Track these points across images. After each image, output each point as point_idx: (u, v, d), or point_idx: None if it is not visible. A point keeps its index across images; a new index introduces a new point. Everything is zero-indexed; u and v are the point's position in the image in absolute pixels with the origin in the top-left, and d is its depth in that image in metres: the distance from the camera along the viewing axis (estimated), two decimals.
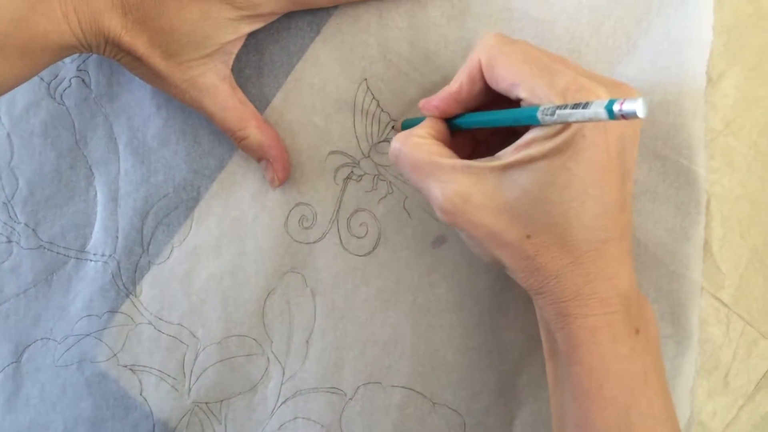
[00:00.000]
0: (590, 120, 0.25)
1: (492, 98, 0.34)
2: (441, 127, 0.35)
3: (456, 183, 0.31)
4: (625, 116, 0.23)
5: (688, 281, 0.37)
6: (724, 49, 0.37)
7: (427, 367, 0.41)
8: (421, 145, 0.33)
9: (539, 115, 0.28)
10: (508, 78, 0.31)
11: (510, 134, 0.32)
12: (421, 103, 0.35)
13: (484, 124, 0.33)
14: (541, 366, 0.39)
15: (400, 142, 0.34)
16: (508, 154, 0.31)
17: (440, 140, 0.34)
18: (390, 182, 0.40)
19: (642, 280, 0.37)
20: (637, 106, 0.23)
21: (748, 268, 0.37)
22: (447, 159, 0.32)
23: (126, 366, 0.43)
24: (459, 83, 0.33)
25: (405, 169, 0.34)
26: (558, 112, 0.27)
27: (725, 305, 0.37)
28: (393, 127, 0.40)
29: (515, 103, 0.31)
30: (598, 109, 0.24)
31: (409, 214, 0.40)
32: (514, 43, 0.32)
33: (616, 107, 0.23)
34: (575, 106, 0.26)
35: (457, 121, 0.35)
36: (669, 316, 0.37)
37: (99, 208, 0.43)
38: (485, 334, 0.40)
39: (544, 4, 0.38)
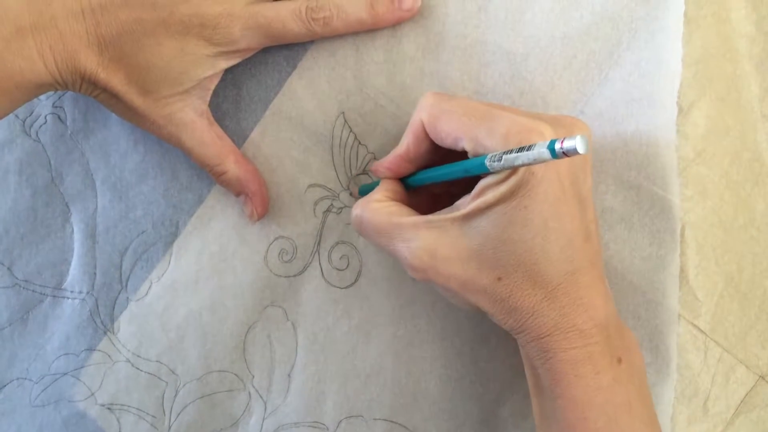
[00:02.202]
0: (535, 161, 0.26)
1: (443, 152, 0.34)
2: (397, 187, 0.36)
3: (420, 239, 0.32)
4: (567, 153, 0.24)
5: (665, 309, 0.37)
6: (693, 80, 0.37)
7: (409, 398, 0.40)
8: (380, 209, 0.34)
9: (487, 162, 0.29)
10: (451, 133, 0.32)
11: (467, 181, 0.32)
12: (373, 167, 0.36)
13: (437, 179, 0.34)
14: (524, 395, 0.39)
15: (360, 209, 0.35)
16: (466, 204, 0.31)
17: (398, 200, 0.35)
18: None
19: (620, 309, 0.38)
20: (576, 142, 0.23)
21: (724, 295, 0.38)
22: (407, 218, 0.33)
23: (104, 405, 0.42)
24: (406, 145, 0.35)
25: (369, 235, 0.34)
26: (504, 157, 0.28)
27: (702, 332, 0.38)
28: (351, 193, 0.41)
29: (465, 154, 0.32)
30: (541, 149, 0.25)
31: None
32: (452, 99, 0.33)
33: (557, 146, 0.24)
34: (520, 149, 0.27)
35: (411, 180, 0.36)
36: (647, 343, 0.38)
37: (76, 245, 0.42)
38: (467, 364, 0.40)
39: (518, 37, 0.39)
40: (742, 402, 0.38)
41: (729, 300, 0.38)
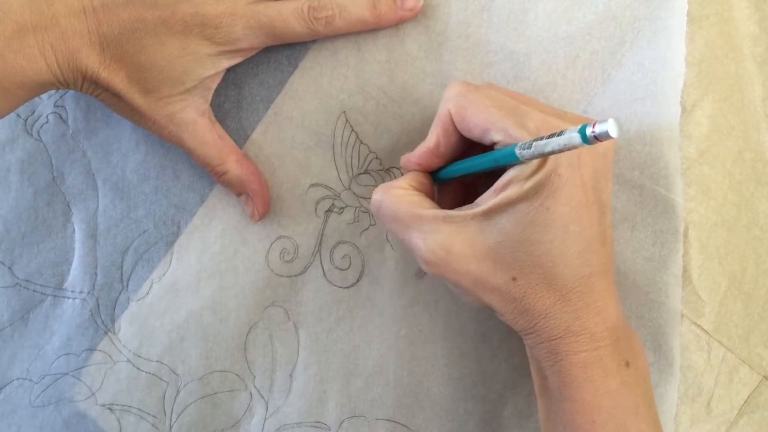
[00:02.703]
0: (566, 147, 0.26)
1: (469, 145, 0.34)
2: (423, 178, 0.35)
3: (438, 233, 0.32)
4: (598, 138, 0.24)
5: (668, 309, 0.37)
6: (696, 80, 0.37)
7: (411, 399, 0.40)
8: (402, 197, 0.33)
9: (517, 150, 0.28)
10: (480, 124, 0.32)
11: (495, 175, 0.32)
12: (403, 160, 0.35)
13: (465, 171, 0.34)
14: (526, 396, 0.39)
15: (381, 193, 0.34)
16: (487, 199, 0.31)
17: (422, 191, 0.34)
18: (372, 214, 0.40)
19: (623, 309, 0.37)
20: (608, 126, 0.23)
21: (727, 295, 0.38)
22: (428, 210, 0.32)
23: (104, 405, 0.42)
24: (435, 138, 0.34)
25: (386, 221, 0.34)
26: (535, 144, 0.27)
27: (706, 332, 0.38)
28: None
29: (491, 147, 0.32)
30: (572, 134, 0.25)
31: (391, 245, 0.40)
32: (478, 89, 0.33)
33: (588, 131, 0.24)
34: (551, 135, 0.26)
35: (440, 174, 0.35)
36: (650, 344, 0.38)
37: (77, 245, 0.42)
38: (469, 364, 0.40)
39: (521, 37, 0.38)
40: (745, 402, 0.38)
41: (732, 300, 0.38)
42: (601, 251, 0.31)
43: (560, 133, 0.26)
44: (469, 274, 0.31)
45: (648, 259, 0.37)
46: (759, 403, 0.38)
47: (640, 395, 0.32)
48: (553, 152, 0.27)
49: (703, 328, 0.38)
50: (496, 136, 0.31)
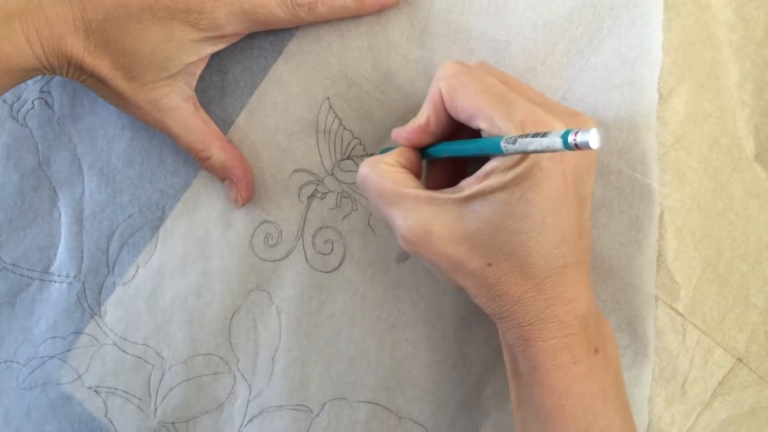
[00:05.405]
0: (547, 149, 0.26)
1: (460, 124, 0.34)
2: (411, 155, 0.35)
3: (418, 213, 0.32)
4: (579, 146, 0.24)
5: (642, 292, 0.38)
6: (673, 66, 0.38)
7: (392, 381, 0.41)
8: (387, 173, 0.33)
9: (502, 143, 0.29)
10: (467, 109, 0.32)
11: (485, 157, 0.33)
12: (394, 133, 0.36)
13: (452, 153, 0.34)
14: (505, 378, 0.40)
15: (368, 167, 0.34)
16: (469, 185, 0.31)
17: (409, 168, 0.34)
18: (354, 199, 0.41)
19: (599, 292, 0.38)
20: (590, 137, 0.23)
21: (702, 279, 0.38)
22: (411, 189, 0.33)
23: (91, 388, 0.42)
24: (426, 116, 0.34)
25: (370, 195, 0.34)
26: (519, 140, 0.27)
27: (681, 315, 0.38)
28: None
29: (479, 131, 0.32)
30: (554, 137, 0.25)
31: (373, 230, 0.41)
32: (471, 70, 0.33)
33: (570, 138, 0.24)
34: (535, 135, 0.26)
35: (429, 150, 0.35)
36: (626, 326, 0.38)
37: (63, 230, 0.43)
38: (450, 347, 0.41)
39: (501, 24, 0.39)
40: (720, 384, 0.39)
41: (707, 284, 0.38)
42: (577, 243, 0.32)
43: (544, 135, 0.26)
44: (445, 256, 0.32)
45: (624, 244, 0.38)
46: (733, 385, 0.39)
47: (609, 381, 0.32)
48: (535, 151, 0.27)
49: (678, 311, 0.38)
50: (481, 124, 0.31)
